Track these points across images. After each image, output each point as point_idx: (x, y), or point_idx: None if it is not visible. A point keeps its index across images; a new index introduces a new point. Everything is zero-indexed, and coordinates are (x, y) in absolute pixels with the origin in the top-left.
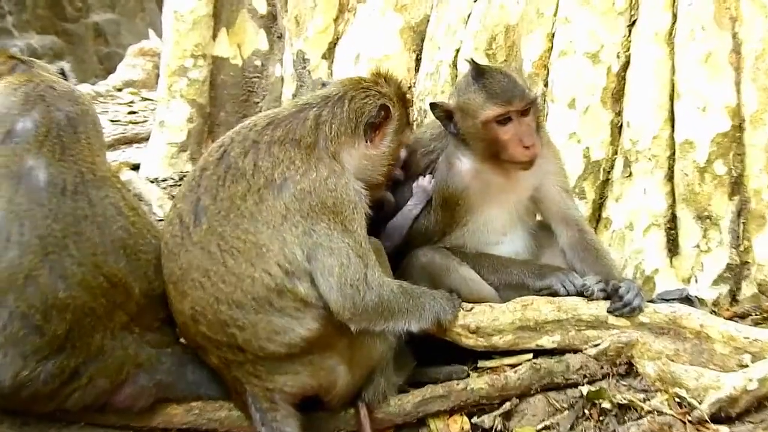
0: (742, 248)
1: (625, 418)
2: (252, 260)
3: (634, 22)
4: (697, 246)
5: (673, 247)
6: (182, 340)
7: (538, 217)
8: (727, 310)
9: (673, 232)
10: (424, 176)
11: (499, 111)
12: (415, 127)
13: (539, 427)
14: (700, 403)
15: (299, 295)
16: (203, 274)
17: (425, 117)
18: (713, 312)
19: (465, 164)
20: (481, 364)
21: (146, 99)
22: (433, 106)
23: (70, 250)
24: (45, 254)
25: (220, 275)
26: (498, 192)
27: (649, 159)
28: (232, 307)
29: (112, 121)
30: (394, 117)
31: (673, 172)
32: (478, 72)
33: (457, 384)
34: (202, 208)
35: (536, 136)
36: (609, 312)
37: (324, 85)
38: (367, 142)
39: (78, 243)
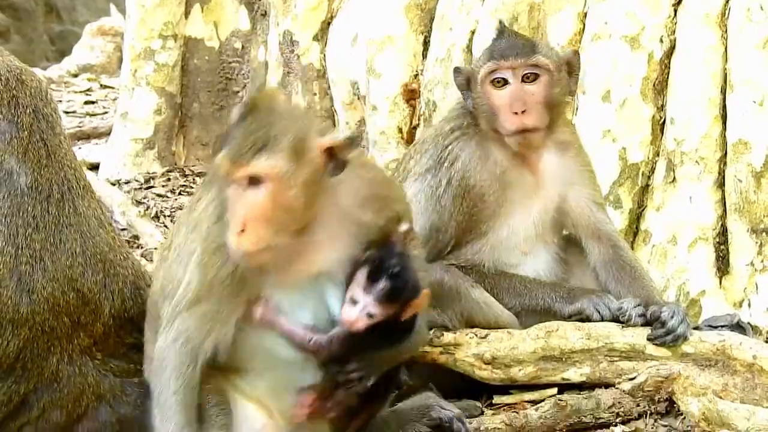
0: None
1: None
2: None
3: (680, 1)
4: (751, 264)
5: (723, 265)
6: None
7: (566, 232)
8: None
9: (723, 247)
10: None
11: (491, 66)
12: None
13: None
14: None
15: None
16: None
17: (434, 110)
18: None
19: (500, 153)
20: (497, 399)
21: (106, 86)
22: (456, 70)
23: (45, 263)
24: (17, 265)
25: None
26: (522, 196)
27: (697, 162)
28: None
29: (66, 112)
30: None
31: (724, 177)
32: (500, 31)
33: (470, 423)
34: None
35: (538, 108)
36: (649, 340)
37: None
38: None
39: (55, 255)
